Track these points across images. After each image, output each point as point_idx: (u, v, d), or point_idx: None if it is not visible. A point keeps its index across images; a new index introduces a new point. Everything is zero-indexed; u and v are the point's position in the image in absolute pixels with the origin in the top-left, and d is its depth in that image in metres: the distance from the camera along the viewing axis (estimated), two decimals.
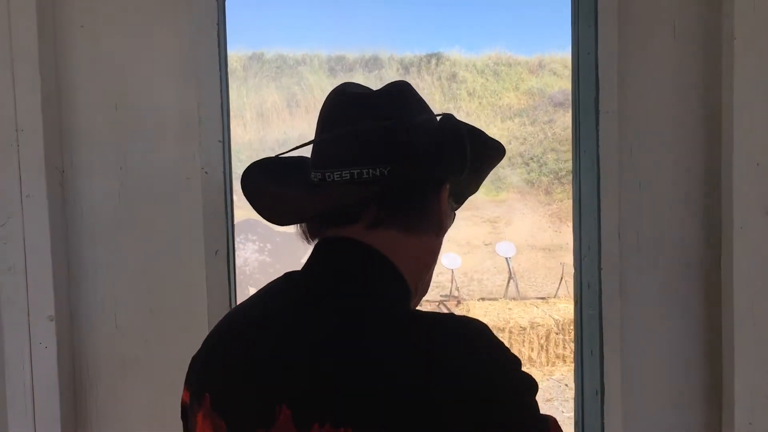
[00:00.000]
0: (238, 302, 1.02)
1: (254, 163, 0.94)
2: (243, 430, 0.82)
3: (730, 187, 1.40)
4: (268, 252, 9.03)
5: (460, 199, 1.00)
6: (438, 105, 20.75)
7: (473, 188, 1.01)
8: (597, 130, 1.42)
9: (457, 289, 10.49)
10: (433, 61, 21.93)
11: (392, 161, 0.84)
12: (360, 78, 21.16)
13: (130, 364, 1.40)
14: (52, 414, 1.33)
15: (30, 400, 1.31)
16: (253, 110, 19.51)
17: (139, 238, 1.38)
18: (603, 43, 1.41)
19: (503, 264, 10.90)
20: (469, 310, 7.45)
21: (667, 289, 1.48)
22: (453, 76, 21.06)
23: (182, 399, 0.94)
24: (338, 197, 0.85)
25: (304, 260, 0.91)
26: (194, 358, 0.94)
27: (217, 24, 1.34)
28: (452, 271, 10.56)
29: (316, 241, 0.91)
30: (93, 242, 1.38)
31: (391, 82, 0.92)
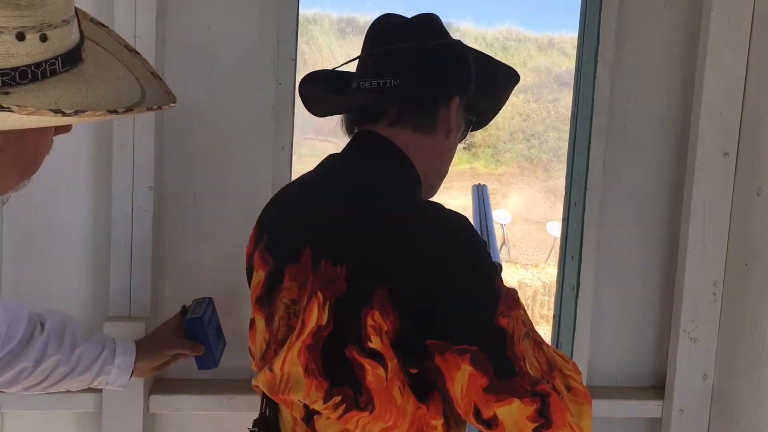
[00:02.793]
0: None
1: (312, 72, 1.25)
2: (281, 264, 1.09)
3: (696, 132, 1.74)
4: None
5: (481, 120, 1.31)
6: None
7: (491, 109, 1.32)
8: (594, 77, 1.76)
9: None
10: None
11: (408, 75, 1.10)
12: None
13: (200, 235, 1.74)
14: (144, 266, 1.68)
15: (129, 253, 1.66)
16: None
17: (220, 130, 1.72)
18: (606, 6, 1.75)
19: (498, 230, 11.29)
20: None
21: (638, 209, 1.84)
22: None
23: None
24: (363, 98, 1.14)
25: None
26: (260, 216, 1.26)
27: None
28: None
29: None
30: (184, 133, 1.71)
31: (421, 14, 1.18)
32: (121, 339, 1.42)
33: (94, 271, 1.71)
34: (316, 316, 0.99)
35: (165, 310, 1.72)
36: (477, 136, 18.64)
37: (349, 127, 1.21)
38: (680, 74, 1.81)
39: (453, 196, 15.59)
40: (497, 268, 1.03)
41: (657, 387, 1.88)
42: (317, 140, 18.15)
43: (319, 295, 0.99)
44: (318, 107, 1.23)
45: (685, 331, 1.78)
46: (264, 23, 1.70)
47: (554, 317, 1.92)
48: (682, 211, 1.79)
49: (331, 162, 1.20)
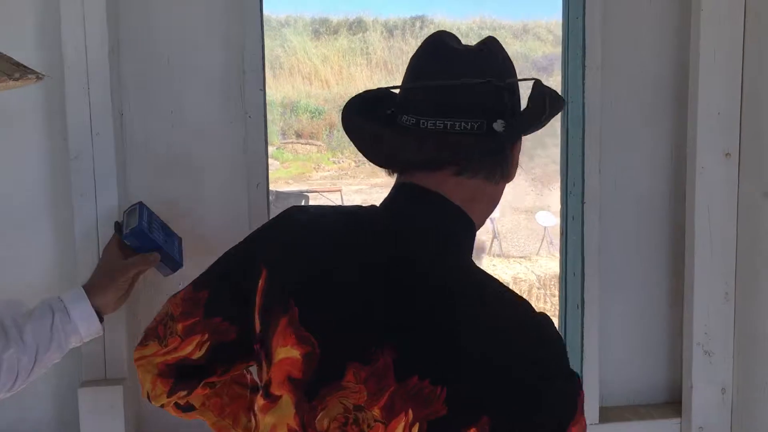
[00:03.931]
0: None
1: (354, 98, 1.02)
2: (337, 354, 0.88)
3: (695, 133, 1.64)
4: None
5: None
6: None
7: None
8: (583, 83, 1.65)
9: None
10: (417, 24, 21.85)
11: (482, 118, 0.91)
12: (344, 41, 21.10)
13: (177, 286, 1.63)
14: (117, 322, 1.55)
15: None
16: None
17: (188, 172, 1.60)
18: (589, 8, 1.64)
19: (488, 224, 11.21)
20: None
21: (639, 219, 1.74)
22: None
23: (251, 264, 1.01)
24: (434, 148, 0.91)
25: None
26: (273, 241, 1.02)
27: None
28: None
29: (396, 177, 0.97)
30: (148, 175, 1.60)
31: (485, 39, 0.99)
32: (66, 293, 1.32)
33: None
34: None
35: None
36: None
37: (393, 169, 0.99)
38: (673, 73, 1.72)
39: None
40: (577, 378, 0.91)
41: (672, 402, 1.79)
42: (299, 144, 18.03)
43: (410, 413, 0.85)
44: (374, 151, 0.98)
45: (699, 344, 1.68)
46: (228, 53, 1.58)
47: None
48: (686, 217, 1.70)
49: (384, 225, 0.96)
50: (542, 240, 9.79)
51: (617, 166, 1.72)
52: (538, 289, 7.11)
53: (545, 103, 0.94)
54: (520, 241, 12.08)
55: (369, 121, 0.98)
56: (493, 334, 0.86)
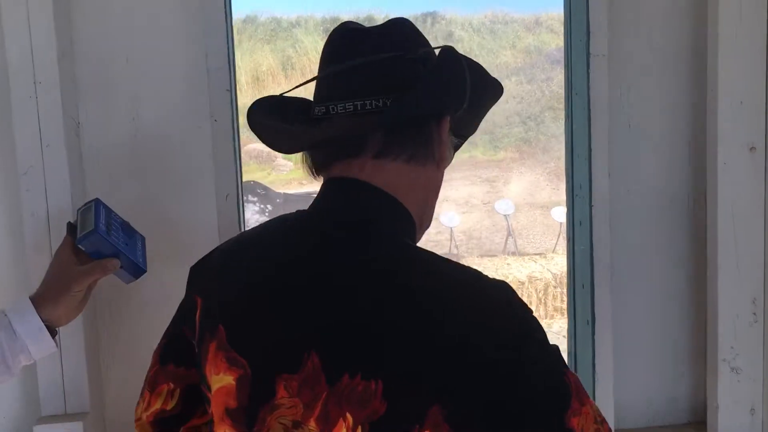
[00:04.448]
0: None
1: (259, 99, 0.97)
2: (266, 370, 0.81)
3: (715, 125, 1.47)
4: (269, 213, 9.11)
5: (460, 138, 1.04)
6: None
7: (471, 127, 1.05)
8: (588, 73, 1.49)
9: (456, 247, 10.62)
10: (429, 21, 21.69)
11: (394, 93, 0.85)
12: None
13: (145, 306, 1.48)
14: (77, 352, 1.41)
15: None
16: (248, 74, 19.35)
17: (152, 183, 1.45)
18: None
19: (502, 222, 11.02)
20: None
21: (654, 223, 1.57)
22: (449, 36, 20.85)
23: (190, 300, 0.97)
24: (342, 127, 0.86)
25: None
26: (203, 270, 0.97)
27: None
28: (451, 230, 10.67)
29: (322, 178, 0.91)
30: (109, 190, 1.45)
31: (392, 19, 0.93)
32: (11, 306, 1.16)
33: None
34: None
35: (109, 401, 1.46)
36: None
37: (317, 167, 0.92)
38: (689, 59, 1.54)
39: (454, 187, 15.37)
40: (559, 349, 0.80)
41: (696, 423, 1.62)
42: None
43: (349, 418, 0.76)
44: (279, 142, 0.95)
45: (725, 361, 1.51)
46: (190, 50, 1.43)
47: (569, 354, 1.65)
48: (708, 219, 1.52)
49: (306, 224, 0.90)
50: (558, 236, 9.58)
51: (628, 164, 1.55)
52: (555, 287, 6.92)
53: (463, 71, 0.87)
54: (536, 238, 11.88)
55: (281, 123, 0.93)
56: (432, 309, 0.77)
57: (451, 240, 10.61)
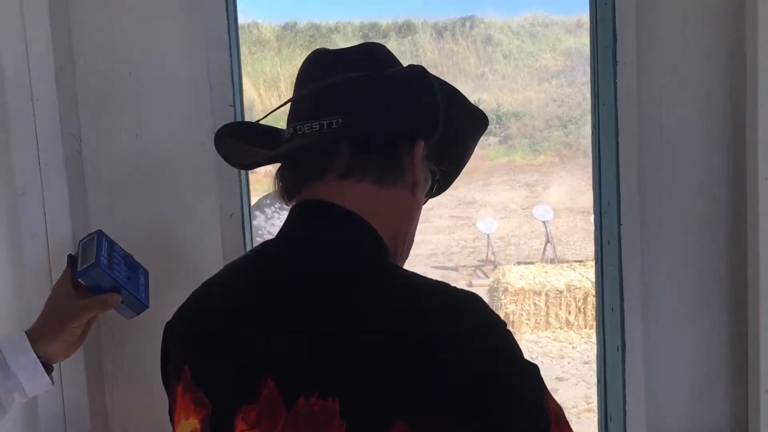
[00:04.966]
0: None
1: (228, 124, 1.01)
2: (226, 407, 0.80)
3: (755, 135, 1.35)
4: None
5: (445, 175, 0.97)
6: (473, 68, 20.49)
7: (455, 158, 0.98)
8: (615, 80, 1.39)
9: (493, 254, 10.46)
10: (468, 24, 21.60)
11: (353, 111, 0.84)
12: (393, 44, 20.98)
13: (147, 325, 1.43)
14: (77, 374, 1.37)
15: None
16: (287, 80, 19.52)
17: (154, 202, 1.40)
18: None
19: (540, 228, 10.82)
20: (504, 274, 7.43)
21: (689, 242, 1.45)
22: (488, 39, 20.73)
23: (163, 354, 0.96)
24: (301, 147, 0.86)
25: None
26: (168, 329, 0.95)
27: None
28: (488, 236, 10.52)
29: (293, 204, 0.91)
30: (111, 209, 1.40)
31: (364, 42, 0.94)
32: (5, 341, 1.13)
33: None
34: None
35: (112, 427, 1.41)
36: (512, 127, 18.25)
37: (288, 192, 0.91)
38: (727, 65, 1.42)
39: (492, 192, 15.19)
40: (538, 368, 0.76)
41: None
42: None
43: None
44: (245, 159, 0.95)
45: None
46: (193, 63, 1.37)
47: (599, 381, 1.55)
48: (748, 239, 1.40)
49: (267, 253, 0.90)
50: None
51: (661, 179, 1.44)
52: (593, 296, 6.72)
53: (433, 91, 0.85)
54: (576, 244, 11.63)
55: (244, 144, 0.95)
56: (393, 319, 0.74)
57: (488, 246, 10.45)
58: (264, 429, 0.76)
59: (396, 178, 0.88)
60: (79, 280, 1.16)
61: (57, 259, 1.33)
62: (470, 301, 0.78)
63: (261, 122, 1.01)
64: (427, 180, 0.92)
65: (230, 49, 1.35)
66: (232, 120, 1.36)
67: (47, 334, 1.14)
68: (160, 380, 1.39)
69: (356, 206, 0.85)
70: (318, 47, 0.95)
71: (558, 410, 0.73)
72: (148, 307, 1.24)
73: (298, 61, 0.98)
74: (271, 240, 0.90)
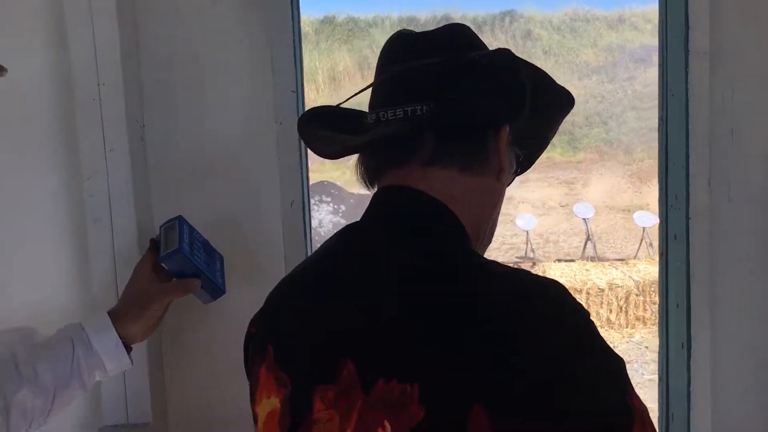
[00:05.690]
0: None
1: (312, 109, 0.97)
2: (306, 385, 0.80)
3: None
4: (342, 213, 9.11)
5: (529, 156, 0.96)
6: None
7: (539, 140, 0.98)
8: (686, 71, 1.34)
9: (533, 251, 10.36)
10: (507, 19, 21.36)
11: (438, 97, 0.82)
12: None
13: (209, 315, 1.44)
14: (140, 362, 1.38)
15: None
16: (325, 74, 19.55)
17: (216, 190, 1.40)
18: None
19: (580, 225, 10.68)
20: (545, 271, 7.33)
21: (759, 238, 1.41)
22: (528, 34, 20.48)
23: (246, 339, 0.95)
24: (386, 134, 0.84)
25: None
26: (261, 310, 0.94)
27: None
28: (527, 233, 10.42)
29: (376, 188, 0.90)
30: (173, 194, 1.41)
31: (447, 24, 0.90)
32: (89, 320, 1.16)
33: None
34: None
35: (171, 410, 1.42)
36: None
37: (370, 177, 0.91)
38: None
39: (531, 189, 15.04)
40: (623, 362, 0.73)
41: None
42: None
43: (387, 426, 0.71)
44: (328, 147, 0.93)
45: None
46: (255, 50, 1.37)
47: (660, 380, 1.51)
48: None
49: (355, 241, 0.89)
50: (641, 242, 9.19)
51: (731, 173, 1.39)
52: (637, 296, 6.61)
53: (516, 75, 0.82)
54: (617, 242, 11.45)
55: (327, 132, 0.93)
56: (474, 306, 0.73)
57: (527, 243, 10.35)
58: (341, 412, 0.75)
59: (481, 165, 0.86)
60: (162, 264, 1.19)
61: (120, 243, 1.34)
62: (554, 288, 0.76)
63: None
64: (511, 164, 0.91)
65: (293, 34, 1.35)
66: (294, 107, 1.36)
67: (128, 316, 1.17)
68: (217, 366, 1.41)
69: (438, 192, 0.84)
70: (400, 30, 0.91)
71: (643, 410, 0.71)
72: (225, 293, 1.26)
73: (336, 55, 0.96)
74: (357, 223, 0.89)
